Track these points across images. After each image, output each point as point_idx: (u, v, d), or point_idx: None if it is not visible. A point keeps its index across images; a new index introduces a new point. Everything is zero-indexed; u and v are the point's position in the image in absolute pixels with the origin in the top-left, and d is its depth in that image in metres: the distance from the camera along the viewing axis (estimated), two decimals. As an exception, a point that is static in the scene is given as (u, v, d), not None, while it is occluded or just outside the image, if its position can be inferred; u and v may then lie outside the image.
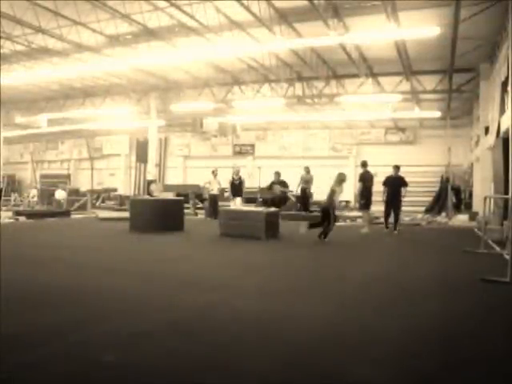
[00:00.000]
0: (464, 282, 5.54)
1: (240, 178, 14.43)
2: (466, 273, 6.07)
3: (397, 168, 11.67)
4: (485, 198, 8.60)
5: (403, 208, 12.44)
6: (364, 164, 11.85)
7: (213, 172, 15.06)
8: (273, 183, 14.37)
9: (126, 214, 12.36)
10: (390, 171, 11.93)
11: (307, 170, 15.94)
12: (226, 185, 14.95)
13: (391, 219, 11.69)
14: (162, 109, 20.89)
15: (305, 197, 15.66)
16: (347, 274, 6.09)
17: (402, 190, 11.38)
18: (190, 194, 18.15)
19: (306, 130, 25.55)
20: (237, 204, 13.63)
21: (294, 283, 5.39)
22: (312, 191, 16.06)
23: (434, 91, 16.47)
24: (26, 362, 2.76)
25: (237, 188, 14.28)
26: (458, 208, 16.89)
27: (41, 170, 30.69)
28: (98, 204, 21.80)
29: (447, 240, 10.51)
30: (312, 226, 9.68)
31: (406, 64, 14.43)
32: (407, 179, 11.74)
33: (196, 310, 4.10)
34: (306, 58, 14.43)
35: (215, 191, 15.01)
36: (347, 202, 22.31)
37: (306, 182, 15.72)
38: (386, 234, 11.20)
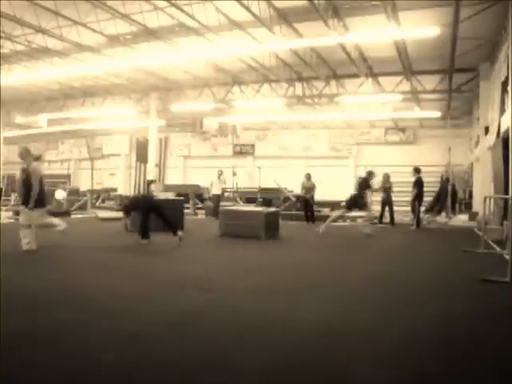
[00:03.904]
0: (464, 281, 5.55)
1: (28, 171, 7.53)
2: (466, 273, 6.06)
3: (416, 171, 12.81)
4: (485, 198, 8.60)
5: (403, 208, 12.87)
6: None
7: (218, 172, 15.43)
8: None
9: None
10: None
11: (308, 176, 14.57)
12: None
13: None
14: (161, 109, 20.89)
15: (308, 205, 14.33)
16: (347, 273, 6.09)
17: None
18: (190, 194, 18.16)
19: (306, 130, 25.55)
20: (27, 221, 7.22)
21: (293, 283, 5.39)
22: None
23: (434, 91, 16.46)
24: (25, 362, 2.76)
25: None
26: (452, 208, 16.81)
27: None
28: (97, 204, 21.79)
29: (447, 240, 10.51)
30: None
31: (406, 64, 14.43)
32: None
33: (196, 309, 4.10)
34: (306, 58, 14.42)
35: (218, 191, 15.17)
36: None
37: (308, 189, 14.34)
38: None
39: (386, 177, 13.75)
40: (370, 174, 11.74)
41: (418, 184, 12.51)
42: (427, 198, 18.74)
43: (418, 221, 12.64)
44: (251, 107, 19.36)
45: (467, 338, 3.46)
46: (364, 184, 11.44)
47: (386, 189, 13.56)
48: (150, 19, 11.91)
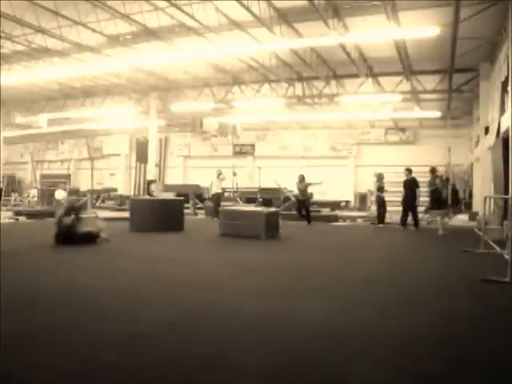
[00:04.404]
0: (464, 281, 5.54)
1: None
2: (466, 273, 6.06)
3: (408, 171, 12.60)
4: (485, 198, 8.60)
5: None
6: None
7: (217, 172, 15.36)
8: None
9: (126, 214, 12.36)
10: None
11: (301, 178, 13.78)
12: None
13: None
14: (162, 109, 20.90)
15: (303, 206, 13.76)
16: (347, 273, 6.09)
17: (416, 191, 12.28)
18: (190, 194, 18.17)
19: (306, 130, 25.55)
20: None
21: (293, 283, 5.38)
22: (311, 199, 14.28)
23: (434, 91, 16.47)
24: (25, 362, 2.76)
25: None
26: (455, 208, 16.82)
27: (41, 170, 30.69)
28: (97, 204, 21.81)
29: (447, 240, 10.51)
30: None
31: (406, 64, 14.44)
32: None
33: (196, 309, 4.10)
34: (306, 58, 14.43)
35: (218, 190, 15.16)
36: (347, 201, 22.35)
37: (303, 191, 13.65)
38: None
39: (381, 177, 13.72)
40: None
41: (417, 184, 12.38)
42: (425, 198, 18.83)
43: (407, 221, 12.60)
44: (251, 107, 19.37)
45: (467, 337, 3.46)
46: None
47: (381, 189, 13.50)
48: (149, 19, 11.91)
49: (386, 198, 13.62)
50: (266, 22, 11.25)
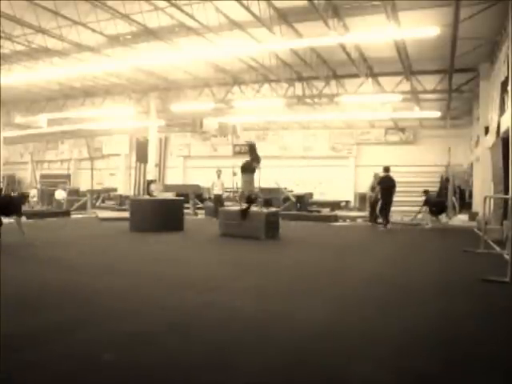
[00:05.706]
0: (464, 281, 5.55)
1: None
2: (466, 273, 6.07)
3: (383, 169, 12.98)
4: (485, 198, 8.60)
5: (404, 208, 12.88)
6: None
7: (216, 172, 15.29)
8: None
9: (126, 214, 12.36)
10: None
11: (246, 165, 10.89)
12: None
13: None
14: (161, 109, 20.88)
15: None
16: (347, 274, 6.09)
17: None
18: (190, 194, 18.16)
19: (306, 130, 25.54)
20: None
21: (293, 283, 5.38)
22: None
23: (434, 91, 16.45)
24: (26, 362, 2.76)
25: None
26: (460, 208, 16.88)
27: (41, 170, 30.69)
28: (97, 204, 21.80)
29: (447, 240, 10.51)
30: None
31: (406, 64, 14.43)
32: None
33: (195, 309, 4.10)
34: (306, 58, 14.42)
35: (219, 191, 15.14)
36: (347, 201, 22.35)
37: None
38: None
39: (378, 177, 13.75)
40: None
41: (382, 182, 12.62)
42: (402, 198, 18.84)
43: (375, 218, 12.79)
44: (251, 107, 19.35)
45: (467, 338, 3.46)
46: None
47: (375, 189, 13.53)
48: (149, 19, 11.90)
49: None
50: (266, 22, 11.24)
